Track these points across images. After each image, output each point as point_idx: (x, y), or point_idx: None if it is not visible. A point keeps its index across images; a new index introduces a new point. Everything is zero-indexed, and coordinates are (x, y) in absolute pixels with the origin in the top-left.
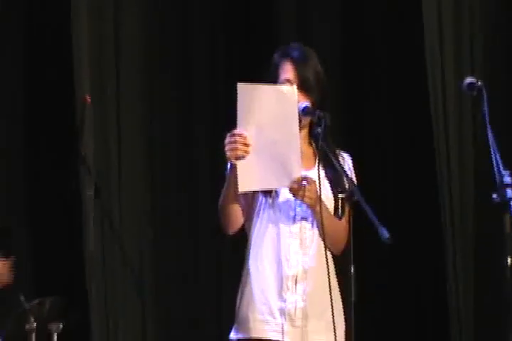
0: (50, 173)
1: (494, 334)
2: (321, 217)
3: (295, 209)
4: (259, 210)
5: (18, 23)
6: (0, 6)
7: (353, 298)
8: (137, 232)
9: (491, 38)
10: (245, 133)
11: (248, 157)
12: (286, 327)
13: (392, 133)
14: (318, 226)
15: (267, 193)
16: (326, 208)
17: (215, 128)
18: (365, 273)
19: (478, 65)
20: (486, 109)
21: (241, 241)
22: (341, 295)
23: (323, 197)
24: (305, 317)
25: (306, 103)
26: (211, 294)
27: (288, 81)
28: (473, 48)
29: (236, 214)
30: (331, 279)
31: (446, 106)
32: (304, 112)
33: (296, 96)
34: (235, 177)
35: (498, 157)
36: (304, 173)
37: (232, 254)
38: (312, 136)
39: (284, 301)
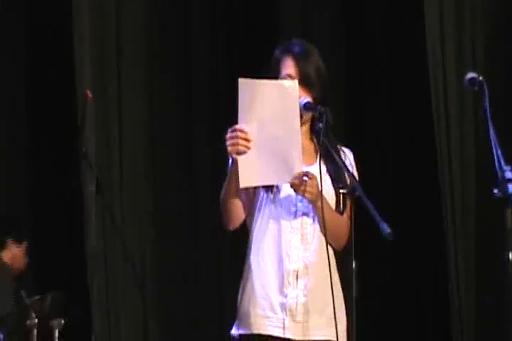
0: (52, 171)
1: (495, 334)
2: (323, 212)
3: (296, 204)
4: (261, 206)
5: (19, 22)
6: (1, 5)
7: (354, 294)
8: (138, 232)
9: (493, 38)
10: (246, 129)
11: (249, 152)
12: (288, 322)
13: (393, 133)
14: (319, 222)
15: (268, 188)
16: (328, 203)
17: (215, 128)
18: (366, 270)
19: (479, 65)
20: (487, 104)
21: (241, 241)
22: (343, 290)
23: (324, 193)
24: (306, 312)
25: (307, 98)
26: (211, 294)
27: (289, 76)
28: (474, 48)
29: (237, 210)
30: (333, 274)
31: (447, 106)
32: (305, 107)
33: (298, 92)
34: (236, 172)
35: (499, 152)
36: (305, 169)
37: (233, 254)
38: (313, 132)
39: (285, 296)
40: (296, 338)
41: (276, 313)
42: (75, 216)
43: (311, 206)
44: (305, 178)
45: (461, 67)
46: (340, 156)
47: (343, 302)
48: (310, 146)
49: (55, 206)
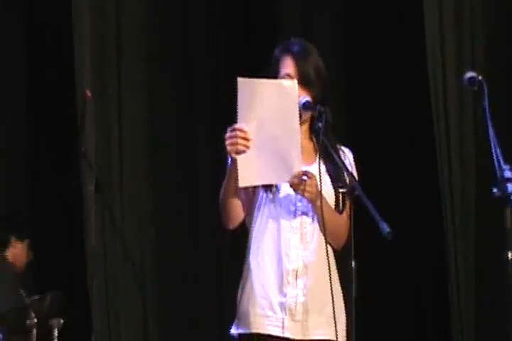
0: (52, 171)
1: (495, 333)
2: (322, 211)
3: (296, 204)
4: (260, 205)
5: (19, 22)
6: (1, 5)
7: (353, 293)
8: (138, 232)
9: (492, 38)
10: (246, 128)
11: (248, 151)
12: (287, 321)
13: (393, 133)
14: (318, 221)
15: (268, 188)
16: (327, 203)
17: (215, 128)
18: (366, 270)
19: (479, 65)
20: (486, 103)
21: (241, 241)
22: (342, 290)
23: (323, 192)
24: (305, 311)
25: (306, 98)
26: (211, 294)
27: (288, 76)
28: (474, 48)
29: (236, 209)
30: (332, 274)
31: (447, 106)
32: (304, 107)
33: (297, 91)
34: (236, 171)
35: (498, 151)
36: (304, 168)
37: (233, 254)
38: (313, 131)
39: (285, 296)
40: (296, 337)
41: (275, 313)
42: (75, 216)
43: (310, 205)
44: (304, 178)
45: (460, 67)
46: (339, 156)
47: (342, 301)
48: (309, 146)
49: (55, 206)
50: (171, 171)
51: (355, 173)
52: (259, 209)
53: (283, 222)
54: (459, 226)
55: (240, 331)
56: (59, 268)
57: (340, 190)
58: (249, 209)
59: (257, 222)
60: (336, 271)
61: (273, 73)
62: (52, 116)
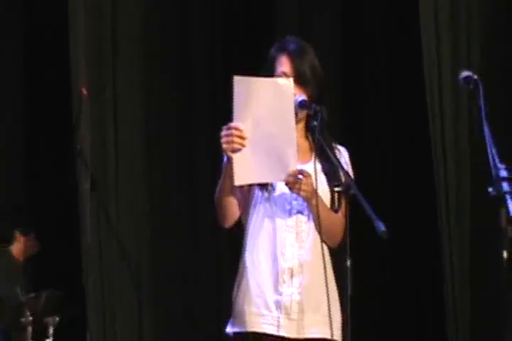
0: (49, 170)
1: (490, 333)
2: (317, 210)
3: (291, 202)
4: (255, 204)
5: (16, 23)
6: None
7: (349, 292)
8: (135, 232)
9: (488, 38)
10: (241, 126)
11: (244, 150)
12: (282, 320)
13: (392, 132)
14: (314, 220)
15: (263, 187)
16: (322, 201)
17: (214, 128)
18: (361, 268)
19: (475, 64)
20: (482, 102)
21: (240, 240)
22: (337, 288)
23: (319, 191)
24: (301, 310)
25: (302, 96)
26: (211, 294)
27: (284, 74)
28: (470, 48)
29: (232, 207)
30: (328, 273)
31: (442, 105)
32: (300, 105)
33: (293, 89)
34: (231, 169)
35: (494, 151)
36: (300, 167)
37: (232, 254)
38: (308, 130)
39: (280, 294)
40: (291, 336)
41: (270, 311)
42: (71, 214)
43: (305, 204)
44: (300, 176)
45: (456, 67)
46: (335, 154)
47: (338, 300)
48: (305, 144)
49: (51, 204)
50: (170, 171)
51: (350, 172)
52: (254, 207)
53: (278, 220)
54: (454, 226)
55: (235, 329)
56: (55, 266)
57: (336, 189)
58: (245, 207)
59: (253, 221)
60: (331, 270)
61: (269, 71)
62: (49, 116)
